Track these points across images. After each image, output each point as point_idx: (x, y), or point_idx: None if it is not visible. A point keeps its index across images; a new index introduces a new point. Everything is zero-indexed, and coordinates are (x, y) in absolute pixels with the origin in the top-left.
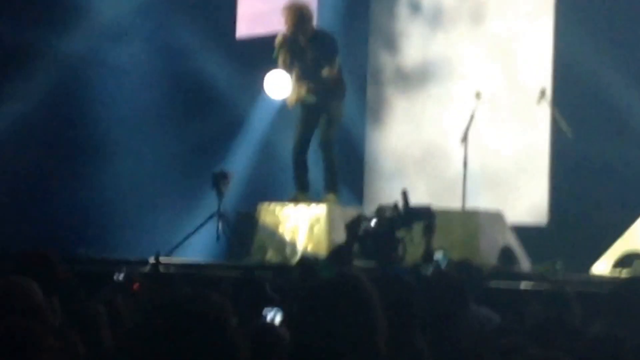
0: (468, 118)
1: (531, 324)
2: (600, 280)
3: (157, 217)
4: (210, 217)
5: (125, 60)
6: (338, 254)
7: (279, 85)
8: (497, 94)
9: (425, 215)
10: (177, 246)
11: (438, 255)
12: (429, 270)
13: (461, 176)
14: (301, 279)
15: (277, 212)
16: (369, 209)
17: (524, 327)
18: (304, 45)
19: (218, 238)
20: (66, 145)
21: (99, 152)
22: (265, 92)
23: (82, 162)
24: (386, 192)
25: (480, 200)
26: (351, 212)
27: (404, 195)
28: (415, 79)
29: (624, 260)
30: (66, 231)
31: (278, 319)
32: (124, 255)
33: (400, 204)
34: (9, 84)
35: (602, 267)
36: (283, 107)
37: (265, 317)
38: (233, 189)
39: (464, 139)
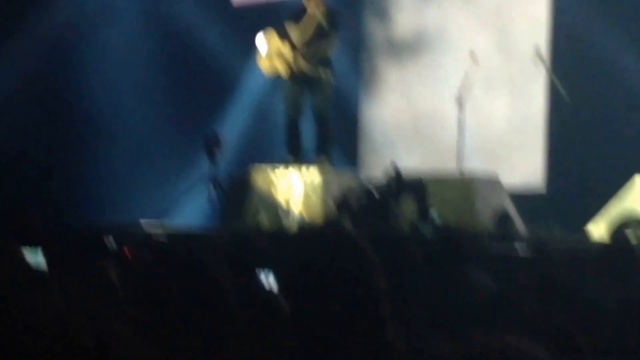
0: (463, 80)
1: (526, 286)
2: (594, 243)
3: (149, 181)
4: (202, 180)
5: (118, 24)
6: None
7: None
8: (492, 58)
9: (416, 187)
10: (169, 209)
11: (433, 213)
12: (426, 229)
13: (456, 142)
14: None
15: (270, 175)
16: (364, 172)
17: (519, 290)
18: (310, 19)
19: (210, 201)
20: (57, 109)
21: (90, 116)
22: (257, 50)
23: (73, 128)
24: (381, 155)
25: (476, 165)
26: (346, 176)
27: (395, 168)
28: (409, 46)
29: (618, 222)
30: (57, 195)
31: (272, 281)
32: (115, 219)
33: (391, 176)
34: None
35: (596, 228)
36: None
37: (258, 279)
38: (225, 153)
39: (459, 101)
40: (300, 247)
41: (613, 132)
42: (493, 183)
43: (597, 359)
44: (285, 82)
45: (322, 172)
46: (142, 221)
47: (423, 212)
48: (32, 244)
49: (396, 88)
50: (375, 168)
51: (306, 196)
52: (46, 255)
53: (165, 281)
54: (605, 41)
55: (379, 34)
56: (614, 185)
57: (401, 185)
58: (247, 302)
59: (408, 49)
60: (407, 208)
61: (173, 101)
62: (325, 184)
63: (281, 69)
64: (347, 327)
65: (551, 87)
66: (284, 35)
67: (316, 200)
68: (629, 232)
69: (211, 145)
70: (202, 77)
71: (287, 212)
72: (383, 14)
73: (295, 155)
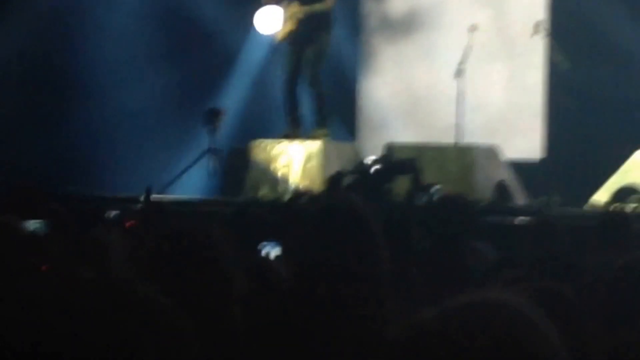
0: (462, 53)
1: (526, 257)
2: (595, 214)
3: (149, 154)
4: (203, 154)
5: None
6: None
7: (270, 21)
8: (490, 31)
9: (409, 169)
10: (170, 183)
11: (435, 188)
12: (423, 200)
13: (454, 117)
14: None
15: (270, 149)
16: (363, 144)
17: (520, 261)
18: None
19: (211, 175)
20: (57, 82)
21: (90, 89)
22: (256, 27)
23: (73, 100)
24: (379, 130)
25: (474, 139)
26: (345, 148)
27: (389, 149)
28: (406, 23)
29: (620, 195)
30: (58, 169)
31: (274, 254)
32: (116, 193)
33: (385, 157)
34: None
35: (599, 201)
36: (275, 43)
37: (260, 252)
38: (225, 126)
39: (458, 75)
40: (300, 218)
41: (614, 102)
42: (491, 153)
43: (596, 325)
44: (285, 50)
45: (324, 145)
46: (141, 195)
47: (418, 186)
48: (35, 217)
49: (394, 65)
50: (374, 143)
51: (306, 169)
52: (48, 227)
53: (167, 253)
54: (605, 13)
55: (376, 11)
56: (615, 156)
57: (394, 166)
58: (248, 272)
59: (405, 25)
60: (401, 187)
61: (174, 75)
62: (325, 157)
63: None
64: (347, 296)
65: (550, 60)
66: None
67: (316, 173)
68: (629, 203)
69: (211, 119)
70: (202, 51)
71: (287, 184)
72: None
73: (295, 125)
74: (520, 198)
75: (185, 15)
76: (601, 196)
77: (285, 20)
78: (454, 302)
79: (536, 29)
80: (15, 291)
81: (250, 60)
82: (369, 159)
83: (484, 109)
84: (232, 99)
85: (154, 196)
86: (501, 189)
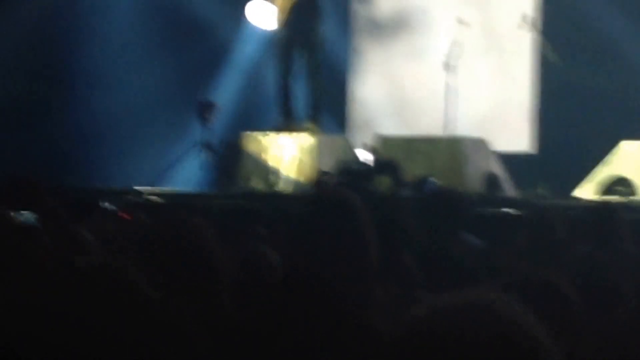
0: (450, 46)
1: (516, 246)
2: (583, 205)
3: (143, 147)
4: (196, 146)
5: None
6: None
7: (262, 13)
8: (479, 24)
9: (390, 169)
10: (162, 175)
11: (431, 179)
12: (407, 193)
13: (443, 110)
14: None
15: (262, 141)
16: (354, 137)
17: (510, 251)
18: None
19: (203, 167)
20: (51, 76)
21: (83, 82)
22: (248, 20)
23: (67, 92)
24: (370, 124)
25: (464, 130)
26: (337, 141)
27: (370, 149)
28: (397, 16)
29: (607, 186)
30: (51, 160)
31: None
32: (110, 184)
33: (366, 157)
34: None
35: (585, 191)
36: (268, 35)
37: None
38: (218, 119)
39: (447, 68)
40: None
41: (602, 94)
42: (481, 145)
43: (587, 314)
44: (277, 41)
45: (315, 137)
46: (137, 187)
47: (399, 181)
48: (26, 208)
49: (384, 60)
50: (365, 136)
51: (298, 161)
52: (41, 218)
53: (159, 243)
54: (593, 7)
55: (365, 8)
56: (603, 148)
57: (375, 167)
58: (240, 263)
59: (394, 21)
60: (383, 185)
61: (167, 68)
62: (317, 149)
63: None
64: (339, 286)
65: (539, 52)
66: None
67: (308, 165)
68: (617, 195)
69: (204, 111)
70: (195, 44)
71: (280, 176)
72: None
73: (288, 117)
74: (509, 190)
75: (178, 8)
76: (587, 187)
77: (279, 10)
78: (443, 301)
79: (524, 20)
80: (7, 282)
81: (243, 53)
82: (351, 160)
83: (473, 102)
84: (225, 91)
85: (148, 187)
86: (491, 181)
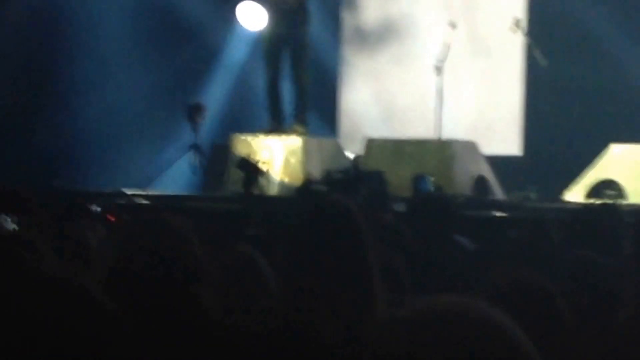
0: (440, 50)
1: (507, 250)
2: (573, 208)
3: (132, 150)
4: (185, 148)
5: None
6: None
7: (252, 15)
8: (468, 27)
9: (376, 181)
10: (152, 178)
11: (428, 180)
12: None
13: (433, 113)
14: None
15: (252, 144)
16: (344, 141)
17: (500, 254)
18: None
19: (194, 170)
20: (40, 78)
21: (73, 85)
22: (239, 22)
23: (56, 95)
24: (360, 124)
25: (454, 133)
26: (327, 143)
27: (355, 160)
28: (387, 20)
29: (596, 188)
30: (41, 163)
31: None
32: (99, 188)
33: (351, 168)
34: None
35: (575, 195)
36: (257, 38)
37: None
38: (208, 121)
39: (437, 70)
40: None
41: (591, 97)
42: (470, 147)
43: (574, 317)
44: (265, 43)
45: (305, 140)
46: (126, 190)
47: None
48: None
49: (374, 64)
50: (355, 138)
51: (287, 164)
52: (28, 221)
53: (148, 247)
54: (583, 10)
55: (353, 14)
56: (592, 151)
57: (360, 178)
58: (228, 266)
59: (384, 24)
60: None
61: (157, 71)
62: (307, 153)
63: None
64: (330, 291)
65: (528, 55)
66: None
67: (297, 168)
68: (606, 198)
69: (194, 113)
70: (185, 47)
71: (269, 180)
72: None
73: (277, 119)
74: (498, 193)
75: (168, 11)
76: (577, 190)
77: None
78: (418, 306)
79: (515, 24)
80: None
81: (233, 55)
82: (336, 170)
83: (462, 106)
84: (215, 94)
85: (138, 190)
86: (480, 184)
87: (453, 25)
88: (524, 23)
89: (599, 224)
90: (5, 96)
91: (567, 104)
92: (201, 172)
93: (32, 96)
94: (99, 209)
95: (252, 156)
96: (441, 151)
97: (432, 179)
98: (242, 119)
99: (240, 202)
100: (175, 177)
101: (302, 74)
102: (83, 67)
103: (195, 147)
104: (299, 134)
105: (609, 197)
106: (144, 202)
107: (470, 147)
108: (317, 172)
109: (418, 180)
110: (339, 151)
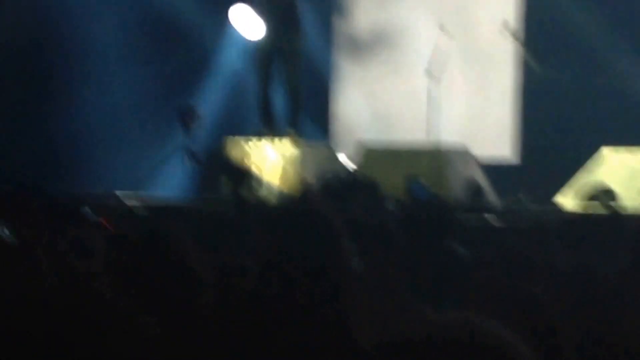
0: (433, 55)
1: (499, 257)
2: (566, 213)
3: (125, 152)
4: (178, 152)
5: None
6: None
7: (245, 19)
8: (461, 32)
9: (368, 189)
10: (144, 181)
11: (422, 183)
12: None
13: (426, 119)
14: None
15: (244, 148)
16: (336, 144)
17: (493, 262)
18: None
19: (186, 173)
20: (31, 80)
21: (64, 87)
22: (233, 26)
23: (48, 97)
24: (354, 128)
25: (446, 137)
26: (320, 147)
27: (346, 164)
28: (379, 28)
29: (588, 193)
30: (32, 165)
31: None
32: (91, 190)
33: (342, 173)
34: None
35: (566, 199)
36: (250, 42)
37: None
38: (201, 125)
39: (430, 76)
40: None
41: (583, 101)
42: (464, 154)
43: (568, 327)
44: (258, 47)
45: (298, 144)
46: (118, 192)
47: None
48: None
49: (366, 71)
50: (348, 145)
51: (280, 168)
52: (21, 225)
53: (141, 251)
54: (576, 14)
55: (346, 21)
56: (584, 155)
57: (352, 185)
58: (218, 272)
59: (377, 30)
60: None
61: (150, 73)
62: (299, 156)
63: None
64: (317, 301)
65: (521, 60)
66: None
67: (290, 172)
68: (598, 203)
69: (186, 117)
70: (178, 49)
71: (261, 184)
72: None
73: (269, 126)
74: (492, 198)
75: (161, 13)
76: (568, 194)
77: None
78: (436, 320)
79: (505, 29)
80: None
81: (226, 59)
82: (330, 173)
83: (454, 111)
84: (207, 98)
85: (130, 193)
86: (473, 189)
87: (445, 30)
88: (516, 28)
89: (592, 228)
90: None
91: (560, 109)
92: (194, 175)
93: (23, 98)
94: (90, 212)
95: (240, 160)
96: (434, 156)
97: (425, 183)
98: (235, 123)
99: (232, 206)
100: (168, 181)
101: (295, 80)
102: (77, 71)
103: (188, 151)
104: (292, 138)
105: (602, 201)
106: (137, 204)
107: (463, 152)
108: (310, 177)
109: (412, 183)
110: (333, 156)
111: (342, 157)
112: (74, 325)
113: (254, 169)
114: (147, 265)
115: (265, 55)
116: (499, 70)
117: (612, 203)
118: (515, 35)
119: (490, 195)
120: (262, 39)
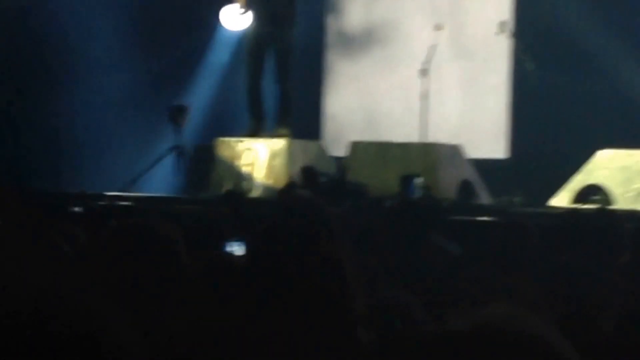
0: (427, 51)
1: (491, 255)
2: (559, 213)
3: (114, 151)
4: (168, 151)
5: None
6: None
7: (237, 17)
8: (453, 31)
9: (359, 194)
10: (134, 180)
11: (418, 182)
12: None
13: (418, 113)
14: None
15: (235, 146)
16: (328, 145)
17: (485, 259)
18: None
19: (176, 172)
20: (21, 79)
21: (55, 85)
22: (222, 24)
23: (38, 96)
24: (344, 126)
25: (439, 136)
26: (311, 146)
27: (341, 170)
28: (371, 25)
29: (583, 194)
30: (22, 165)
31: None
32: (81, 189)
33: (335, 178)
34: None
35: (561, 200)
36: (241, 39)
37: (222, 246)
38: (191, 123)
39: (423, 73)
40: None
41: (578, 102)
42: (455, 151)
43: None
44: (248, 43)
45: (289, 143)
46: (108, 192)
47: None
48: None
49: (358, 69)
50: (339, 144)
51: (270, 167)
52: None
53: (132, 248)
54: (569, 14)
55: (337, 19)
56: (579, 156)
57: (344, 189)
58: (209, 270)
59: (369, 27)
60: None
61: (139, 71)
62: (290, 155)
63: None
64: (309, 296)
65: (515, 59)
66: None
67: (281, 171)
68: (592, 202)
69: (177, 116)
70: (168, 48)
71: (252, 182)
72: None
73: (258, 120)
74: (483, 197)
75: (151, 11)
76: (564, 196)
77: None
78: (462, 321)
79: (501, 28)
80: None
81: (216, 57)
82: (321, 175)
83: (447, 109)
84: (197, 96)
85: (120, 192)
86: (465, 187)
87: (439, 28)
88: (510, 26)
89: (585, 229)
90: None
91: (554, 108)
92: (184, 174)
93: (12, 96)
94: (80, 211)
95: (229, 158)
96: (426, 154)
97: (421, 179)
98: (225, 121)
99: (222, 204)
100: (158, 179)
101: (285, 76)
102: (65, 68)
103: (177, 149)
104: (283, 136)
105: (596, 202)
106: (126, 203)
107: (455, 150)
108: (300, 175)
109: (405, 181)
110: (323, 154)
111: (333, 155)
112: (57, 327)
113: (244, 167)
114: (137, 263)
115: (256, 52)
116: (493, 69)
117: (606, 204)
118: (509, 34)
119: (483, 194)
120: (253, 35)
